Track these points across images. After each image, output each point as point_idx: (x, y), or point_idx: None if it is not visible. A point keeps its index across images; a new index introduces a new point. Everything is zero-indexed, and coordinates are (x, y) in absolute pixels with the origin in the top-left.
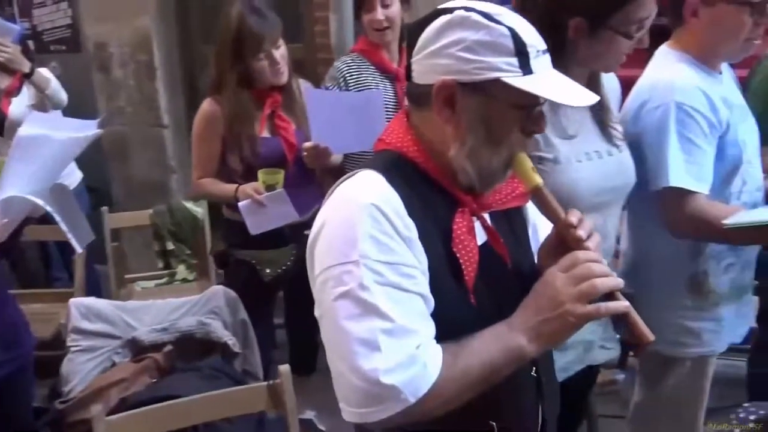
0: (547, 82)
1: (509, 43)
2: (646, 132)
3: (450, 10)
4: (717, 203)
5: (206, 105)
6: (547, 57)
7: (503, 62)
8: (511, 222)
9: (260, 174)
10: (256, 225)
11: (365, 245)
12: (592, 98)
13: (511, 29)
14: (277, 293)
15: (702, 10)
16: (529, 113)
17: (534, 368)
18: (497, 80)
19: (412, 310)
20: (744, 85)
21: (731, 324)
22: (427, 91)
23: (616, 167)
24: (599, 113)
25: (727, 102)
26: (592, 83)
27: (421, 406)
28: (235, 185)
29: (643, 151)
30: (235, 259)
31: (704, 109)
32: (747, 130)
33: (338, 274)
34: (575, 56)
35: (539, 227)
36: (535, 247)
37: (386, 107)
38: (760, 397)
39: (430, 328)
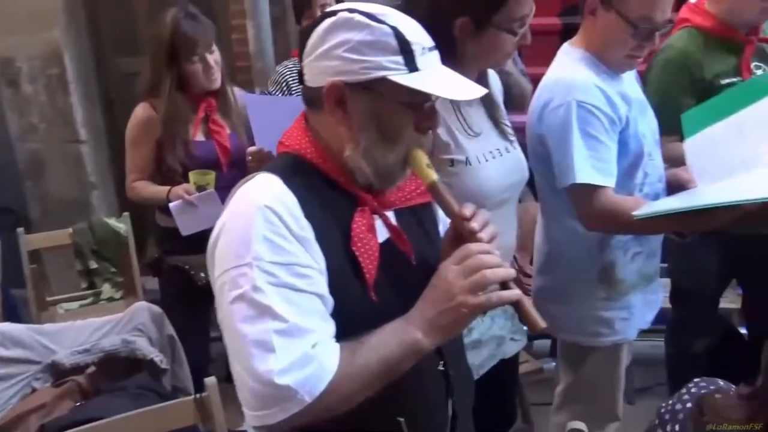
0: (433, 78)
1: (393, 42)
2: (550, 131)
3: (335, 13)
4: (624, 196)
5: (141, 109)
6: (435, 54)
7: (388, 61)
8: (420, 218)
9: (191, 175)
10: (186, 225)
11: (259, 247)
12: (480, 91)
13: (394, 28)
14: (213, 301)
15: (599, 10)
16: (420, 110)
17: (441, 362)
18: (384, 79)
19: (308, 309)
20: (643, 79)
21: (640, 311)
22: (319, 93)
23: (514, 163)
24: (492, 111)
25: (625, 97)
26: (482, 82)
27: (319, 404)
28: (168, 187)
29: (550, 150)
30: (169, 266)
31: (603, 106)
32: (646, 124)
33: (234, 276)
34: (464, 55)
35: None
36: None
37: None
38: (678, 373)
39: (327, 326)
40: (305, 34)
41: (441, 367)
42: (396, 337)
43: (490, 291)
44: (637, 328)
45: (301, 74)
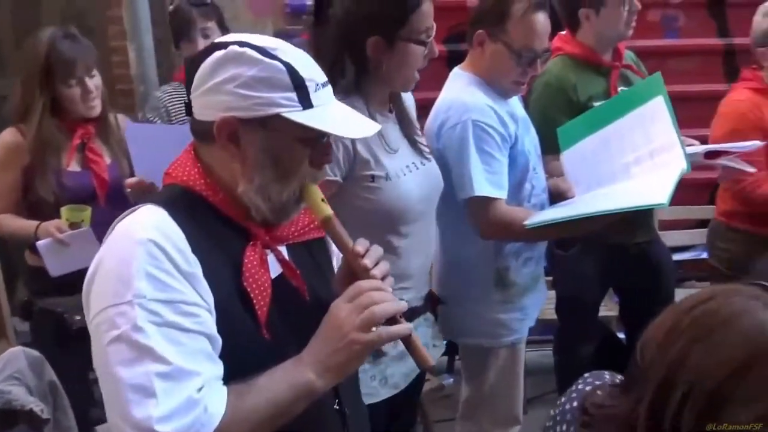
0: (328, 114)
1: (286, 79)
2: (447, 148)
3: (224, 45)
4: (515, 207)
5: (7, 134)
6: (328, 89)
7: (282, 98)
8: (314, 254)
9: (63, 211)
10: (56, 266)
11: (141, 283)
12: (373, 128)
13: (287, 64)
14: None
15: (487, 42)
16: (315, 145)
17: (337, 401)
18: (278, 115)
19: (194, 350)
20: (525, 100)
21: (532, 311)
22: (209, 127)
23: (430, 176)
24: (406, 128)
25: (513, 116)
26: (394, 100)
27: None
28: (36, 222)
29: (447, 166)
30: (40, 309)
31: (496, 125)
32: (530, 141)
33: (111, 316)
34: (378, 74)
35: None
36: None
37: None
38: (567, 380)
39: (215, 368)
40: (193, 66)
41: (336, 406)
42: (287, 379)
43: (382, 327)
44: (529, 327)
45: (188, 106)
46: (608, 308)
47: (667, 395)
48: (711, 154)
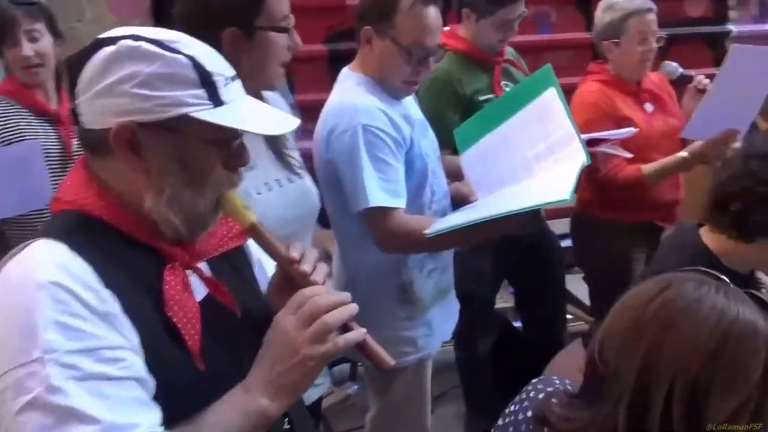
0: (241, 111)
1: (192, 73)
2: (338, 157)
3: (113, 40)
4: (415, 216)
5: None
6: (238, 83)
7: (188, 95)
8: (234, 264)
9: None
10: None
11: (50, 336)
12: (293, 122)
13: (191, 58)
14: None
15: (375, 39)
16: (228, 147)
17: (286, 419)
18: (185, 116)
19: (125, 400)
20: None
21: (440, 325)
22: (104, 136)
23: (300, 194)
24: (274, 141)
25: (408, 119)
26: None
27: None
28: None
29: (340, 175)
30: None
31: (388, 129)
32: (428, 143)
33: (18, 379)
34: (241, 71)
35: (264, 262)
36: (263, 285)
37: (49, 157)
38: (469, 374)
39: (152, 415)
40: (74, 66)
41: (287, 425)
42: (239, 409)
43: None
44: (440, 341)
45: (75, 114)
46: (504, 300)
47: (649, 394)
48: (591, 143)
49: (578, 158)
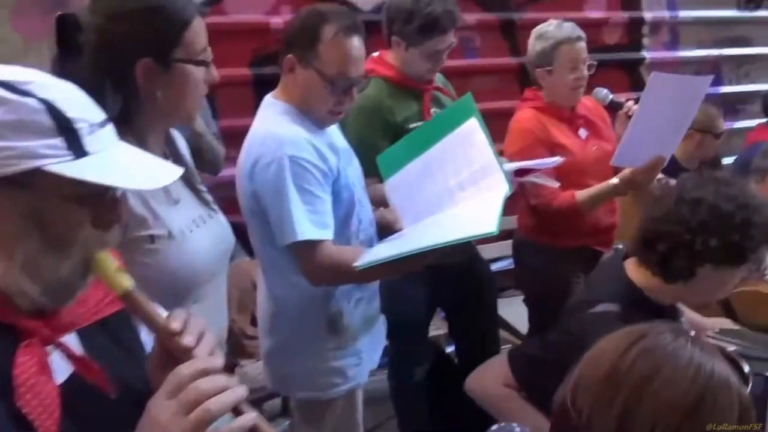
0: (110, 161)
1: (46, 120)
2: (264, 188)
3: None
4: (343, 247)
5: None
6: (109, 129)
7: (43, 146)
8: (114, 332)
9: None
10: None
11: None
12: (174, 173)
13: (45, 102)
14: None
15: (298, 68)
16: (99, 202)
17: None
18: (38, 170)
19: None
20: (342, 124)
21: (369, 354)
22: None
23: (219, 230)
24: (187, 177)
25: (333, 148)
26: (169, 140)
27: None
28: None
29: (265, 207)
30: None
31: (315, 160)
32: (353, 173)
33: None
34: (154, 108)
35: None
36: None
37: None
38: (404, 404)
39: None
40: None
41: None
42: None
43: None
44: (368, 370)
45: None
46: (436, 326)
47: None
48: (519, 172)
49: (501, 188)
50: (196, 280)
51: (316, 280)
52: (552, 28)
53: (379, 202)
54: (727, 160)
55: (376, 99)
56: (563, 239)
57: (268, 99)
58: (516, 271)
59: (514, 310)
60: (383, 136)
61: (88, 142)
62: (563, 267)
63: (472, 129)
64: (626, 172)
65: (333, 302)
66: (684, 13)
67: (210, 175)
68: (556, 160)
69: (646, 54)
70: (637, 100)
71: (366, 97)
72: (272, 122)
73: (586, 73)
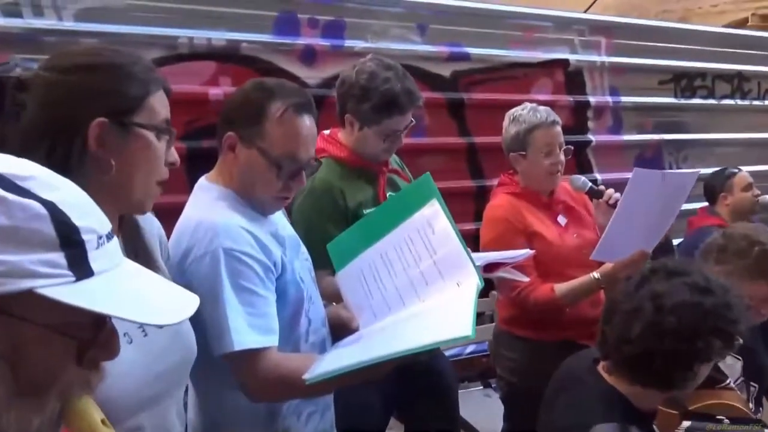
0: (118, 285)
1: (47, 229)
2: (195, 286)
3: None
4: (291, 355)
5: None
6: (115, 242)
7: (39, 262)
8: None
9: None
10: None
11: None
12: (192, 304)
13: (49, 205)
14: None
15: (239, 147)
16: (92, 335)
17: None
18: (30, 293)
19: None
20: (287, 209)
21: None
22: None
23: (171, 339)
24: (146, 261)
25: (278, 237)
26: (125, 223)
27: None
28: None
29: (198, 308)
30: None
31: (255, 253)
32: (302, 265)
33: None
34: (102, 183)
35: None
36: None
37: None
38: None
39: None
40: None
41: None
42: None
43: None
44: None
45: None
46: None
47: None
48: (489, 267)
49: (471, 282)
50: (128, 411)
51: (258, 395)
52: (526, 111)
53: (333, 296)
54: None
55: (327, 181)
56: (545, 332)
57: (203, 183)
58: (496, 366)
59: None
60: (335, 223)
61: (94, 258)
62: (546, 362)
63: (434, 213)
64: (607, 266)
65: (280, 420)
66: (625, 99)
67: None
68: (526, 252)
69: (592, 137)
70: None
71: (315, 178)
72: (206, 209)
73: (562, 158)
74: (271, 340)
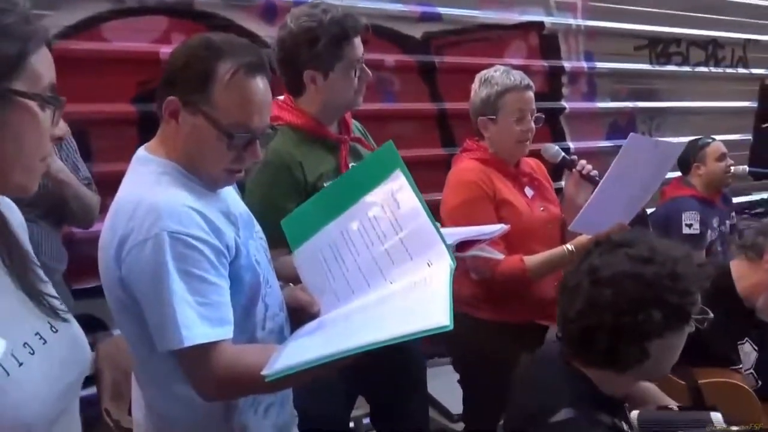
0: None
1: None
2: (136, 276)
3: None
4: (246, 347)
5: None
6: None
7: None
8: None
9: None
10: None
11: None
12: None
13: None
14: None
15: (183, 114)
16: None
17: None
18: None
19: None
20: (239, 185)
21: None
22: None
23: (71, 348)
24: (20, 272)
25: (230, 216)
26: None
27: None
28: None
29: (140, 300)
30: None
31: (205, 235)
32: (257, 246)
33: None
34: None
35: None
36: None
37: None
38: None
39: None
40: None
41: None
42: None
43: None
44: None
45: None
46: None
47: None
48: (461, 245)
49: (443, 264)
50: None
51: (212, 394)
52: (498, 73)
53: (290, 277)
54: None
55: (283, 152)
56: (505, 313)
57: (141, 154)
58: (451, 350)
59: (444, 385)
60: (292, 198)
61: None
62: (505, 344)
63: (398, 185)
64: (582, 238)
65: (237, 416)
66: (600, 65)
67: (81, 229)
68: (501, 228)
69: (566, 104)
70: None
71: (270, 150)
72: (146, 186)
73: (533, 125)
74: (225, 332)
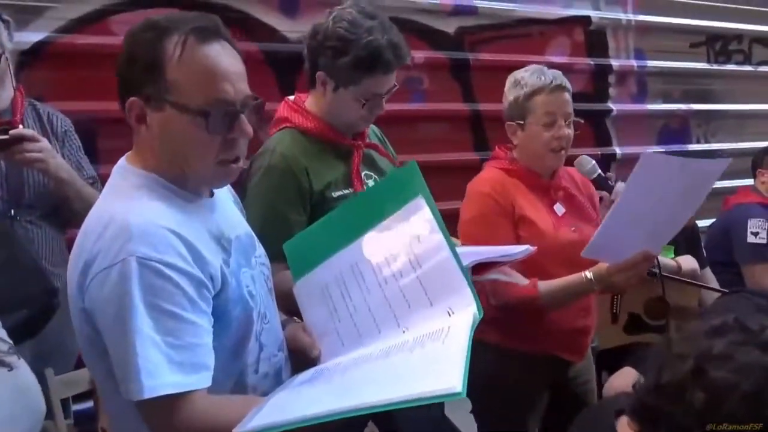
0: None
1: None
2: (100, 308)
3: None
4: (224, 399)
5: None
6: None
7: None
8: None
9: None
10: None
11: None
12: None
13: None
14: None
15: (150, 115)
16: None
17: None
18: None
19: None
20: (239, 191)
21: None
22: None
23: (15, 401)
24: None
25: (221, 240)
26: None
27: None
28: None
29: (104, 336)
30: None
31: (181, 263)
32: (254, 275)
33: None
34: None
35: None
36: None
37: None
38: None
39: None
40: None
41: None
42: None
43: None
44: None
45: None
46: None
47: None
48: (479, 267)
49: (467, 314)
50: None
51: None
52: (529, 74)
53: (289, 295)
54: (702, 223)
55: (289, 156)
56: (521, 341)
57: (122, 164)
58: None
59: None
60: (295, 206)
61: None
62: (522, 376)
63: (419, 214)
64: (602, 267)
65: None
66: (652, 63)
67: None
68: (526, 249)
69: (612, 105)
70: (591, 155)
71: (275, 154)
72: (121, 201)
73: (568, 131)
74: (198, 381)
